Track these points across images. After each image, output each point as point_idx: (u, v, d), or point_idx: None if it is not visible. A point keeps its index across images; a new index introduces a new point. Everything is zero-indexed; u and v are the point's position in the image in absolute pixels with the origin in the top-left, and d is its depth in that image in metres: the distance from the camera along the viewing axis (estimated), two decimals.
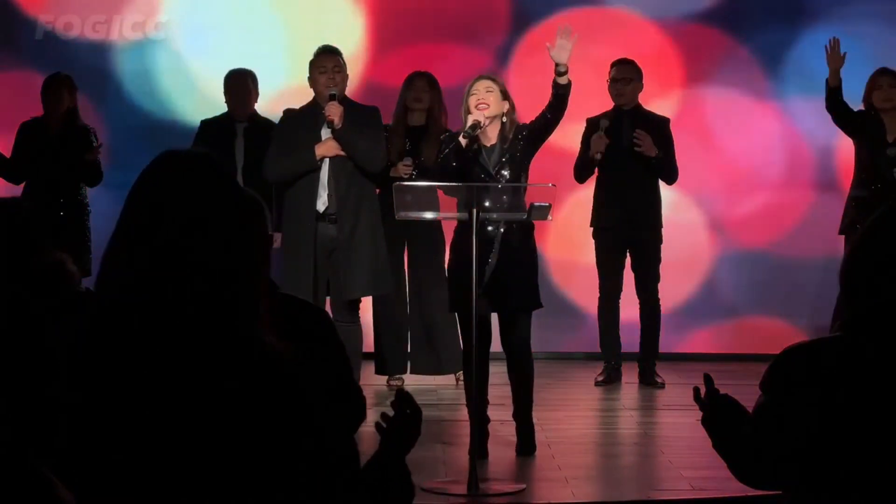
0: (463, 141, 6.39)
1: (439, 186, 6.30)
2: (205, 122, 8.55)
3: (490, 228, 6.49)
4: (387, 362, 8.46)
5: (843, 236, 8.44)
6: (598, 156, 8.31)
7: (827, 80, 8.32)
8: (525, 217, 6.31)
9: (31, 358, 3.03)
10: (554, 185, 6.25)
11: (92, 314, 2.33)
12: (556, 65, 6.52)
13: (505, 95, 6.54)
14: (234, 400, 2.27)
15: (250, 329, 2.33)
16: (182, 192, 2.36)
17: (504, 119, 6.54)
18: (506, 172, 6.50)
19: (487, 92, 6.49)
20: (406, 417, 2.81)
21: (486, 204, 6.12)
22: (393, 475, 2.72)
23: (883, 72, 8.48)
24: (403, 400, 2.85)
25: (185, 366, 2.28)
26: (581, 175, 8.56)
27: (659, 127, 8.55)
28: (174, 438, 2.26)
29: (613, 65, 8.63)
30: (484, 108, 6.44)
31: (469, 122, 6.42)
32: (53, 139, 8.65)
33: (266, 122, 8.36)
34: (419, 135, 8.24)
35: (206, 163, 2.42)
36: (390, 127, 8.19)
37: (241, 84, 8.52)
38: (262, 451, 2.27)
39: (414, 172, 8.05)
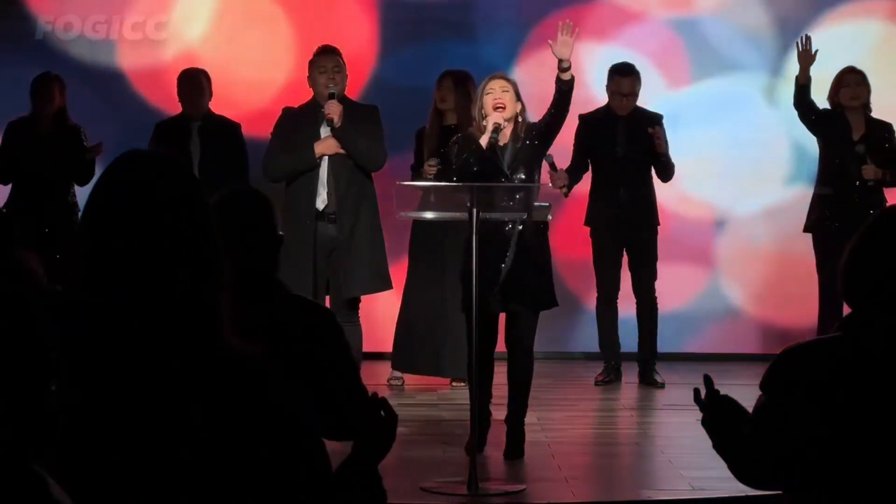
0: (485, 142, 6.40)
1: (439, 186, 6.31)
2: (159, 124, 8.57)
3: (507, 228, 6.49)
4: (417, 359, 8.43)
5: (809, 234, 8.52)
6: (564, 190, 8.12)
7: (796, 77, 8.35)
8: (526, 216, 6.32)
9: (28, 357, 3.03)
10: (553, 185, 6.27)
11: (62, 316, 2.33)
12: (559, 61, 6.53)
13: (518, 96, 6.55)
14: (196, 402, 2.26)
15: (212, 330, 2.31)
16: (145, 192, 2.36)
17: (518, 119, 6.55)
18: (520, 172, 6.52)
19: (503, 91, 6.50)
20: (380, 423, 2.76)
21: (497, 203, 6.14)
22: (363, 482, 2.67)
23: (849, 70, 8.50)
24: (378, 405, 2.80)
25: (151, 368, 2.28)
26: (576, 172, 8.47)
27: (653, 124, 8.54)
28: (141, 441, 2.26)
29: (617, 73, 8.53)
30: (501, 109, 6.45)
31: (490, 126, 6.42)
32: (44, 138, 8.63)
33: (221, 120, 8.39)
34: (451, 135, 8.23)
35: (168, 162, 2.42)
36: (426, 127, 8.23)
37: (194, 83, 8.51)
38: (228, 453, 2.25)
39: (438, 169, 8.04)
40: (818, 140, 8.54)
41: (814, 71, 8.32)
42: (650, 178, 8.54)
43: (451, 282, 8.26)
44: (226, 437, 2.24)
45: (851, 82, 8.42)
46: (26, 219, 8.29)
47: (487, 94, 6.51)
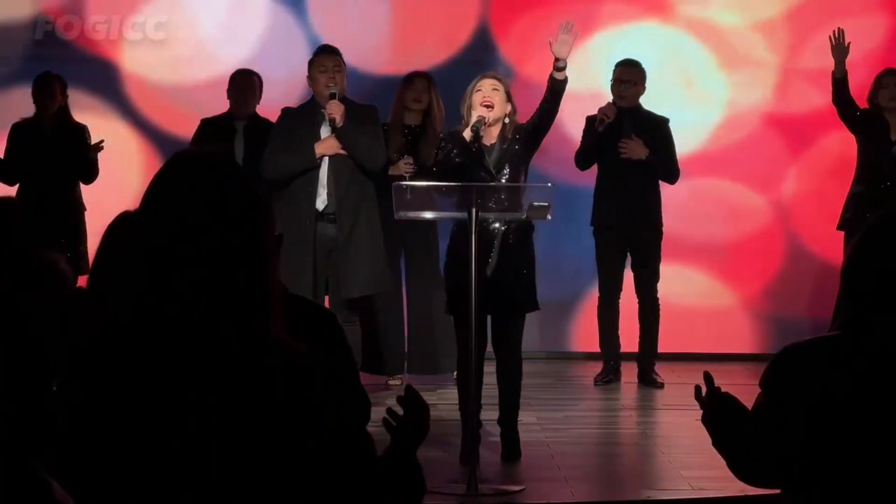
0: (468, 135, 6.39)
1: (438, 186, 6.30)
2: (205, 121, 8.59)
3: (491, 228, 6.47)
4: (385, 363, 8.45)
5: (842, 232, 8.47)
6: (606, 118, 8.26)
7: (833, 72, 8.33)
8: (524, 217, 6.31)
9: (30, 358, 3.03)
10: (552, 184, 6.26)
11: (107, 316, 2.34)
12: (556, 59, 6.52)
13: (509, 97, 6.54)
14: (254, 398, 2.29)
15: (268, 327, 2.34)
16: (203, 194, 2.37)
17: (506, 120, 6.54)
18: (506, 172, 6.50)
19: (493, 90, 6.49)
20: (416, 412, 2.86)
21: (488, 204, 6.12)
22: (407, 470, 2.76)
23: (889, 72, 8.50)
24: (411, 396, 2.88)
25: (203, 366, 2.29)
26: (584, 160, 8.51)
27: (658, 126, 8.55)
28: (192, 439, 2.27)
29: (618, 65, 8.59)
30: (489, 107, 6.44)
31: (474, 118, 6.42)
32: (47, 138, 8.64)
33: (266, 123, 8.38)
34: (417, 134, 8.25)
35: (222, 163, 2.44)
36: (388, 124, 8.21)
37: (246, 83, 8.56)
38: (279, 449, 2.28)
39: (414, 168, 8.05)
40: (857, 138, 8.52)
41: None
42: (656, 178, 8.54)
43: (410, 280, 8.25)
44: (275, 431, 2.28)
45: (891, 83, 8.41)
46: (31, 219, 8.30)
47: (477, 91, 6.50)
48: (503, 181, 6.44)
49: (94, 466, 2.25)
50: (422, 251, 8.40)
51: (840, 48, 8.28)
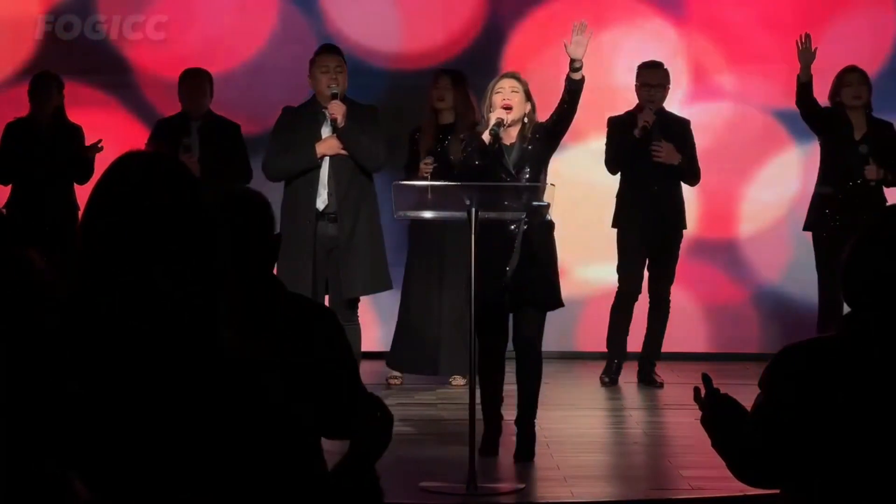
0: (487, 138, 6.40)
1: (438, 186, 6.30)
2: (159, 122, 8.61)
3: (511, 228, 6.49)
4: (442, 364, 8.40)
5: (809, 233, 8.51)
6: (646, 124, 8.27)
7: (798, 76, 8.35)
8: (523, 216, 6.31)
9: (30, 357, 3.03)
10: (553, 184, 6.27)
11: (66, 313, 2.34)
12: (572, 60, 6.54)
13: (528, 96, 6.55)
14: (194, 401, 2.27)
15: (212, 328, 2.32)
16: (147, 193, 2.37)
17: (525, 120, 6.56)
18: (526, 171, 6.52)
19: (513, 92, 6.50)
20: (377, 422, 2.79)
21: (500, 203, 6.14)
22: (360, 481, 2.69)
23: (850, 69, 8.51)
24: (375, 405, 2.83)
25: (148, 368, 2.28)
26: (618, 165, 8.46)
27: (681, 128, 8.55)
28: (146, 435, 2.26)
29: (644, 68, 8.53)
30: (508, 109, 6.45)
31: (493, 121, 6.43)
32: (42, 138, 8.63)
33: (221, 120, 8.39)
34: (448, 134, 8.24)
35: (168, 162, 2.43)
36: (422, 126, 8.24)
37: (196, 83, 8.52)
38: (223, 453, 2.26)
39: (434, 167, 8.02)
40: (819, 139, 8.54)
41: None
42: (679, 183, 8.53)
43: (449, 281, 8.27)
44: (221, 436, 2.25)
45: (853, 81, 8.43)
46: (26, 219, 8.30)
47: (497, 93, 6.52)
48: (524, 181, 6.46)
49: (85, 457, 2.25)
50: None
51: (806, 53, 8.31)
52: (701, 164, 8.57)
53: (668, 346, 8.89)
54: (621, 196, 8.57)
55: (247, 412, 2.27)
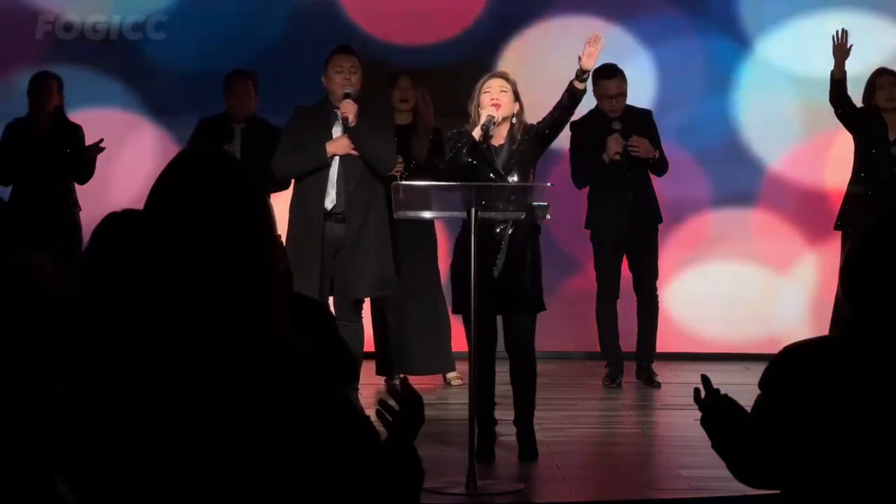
0: (477, 134, 6.41)
1: (437, 186, 6.31)
2: (202, 121, 8.56)
3: (498, 229, 6.49)
4: (392, 363, 8.41)
5: (839, 232, 8.47)
6: (617, 157, 8.24)
7: (832, 72, 8.34)
8: (523, 216, 6.32)
9: (31, 357, 3.03)
10: (553, 184, 6.28)
11: (102, 314, 2.35)
12: (582, 71, 6.58)
13: (517, 96, 6.56)
14: (256, 394, 2.31)
15: (272, 325, 2.36)
16: (206, 191, 2.39)
17: (514, 120, 6.56)
18: (514, 172, 6.53)
19: (501, 92, 6.51)
20: (411, 403, 2.97)
21: (494, 203, 6.14)
22: (406, 460, 2.88)
23: (882, 72, 8.51)
24: (406, 388, 2.99)
25: (205, 363, 2.31)
26: (583, 180, 8.44)
27: (644, 120, 8.52)
28: (192, 436, 2.28)
29: (600, 77, 8.26)
30: (497, 108, 6.46)
31: (483, 118, 6.43)
32: (42, 138, 8.62)
33: (264, 124, 8.36)
34: (407, 133, 8.23)
35: (225, 161, 2.46)
36: None
37: (242, 85, 8.52)
38: (282, 445, 2.30)
39: (405, 173, 8.03)
40: (854, 138, 8.52)
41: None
42: (649, 176, 8.52)
43: (408, 281, 8.22)
44: (277, 427, 2.29)
45: (885, 84, 8.42)
46: (26, 218, 8.30)
47: (485, 92, 6.52)
48: (512, 182, 6.47)
49: (95, 467, 2.26)
50: (418, 251, 8.39)
51: (841, 49, 8.29)
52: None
53: (667, 346, 8.89)
54: (592, 198, 8.53)
55: (301, 403, 2.32)
